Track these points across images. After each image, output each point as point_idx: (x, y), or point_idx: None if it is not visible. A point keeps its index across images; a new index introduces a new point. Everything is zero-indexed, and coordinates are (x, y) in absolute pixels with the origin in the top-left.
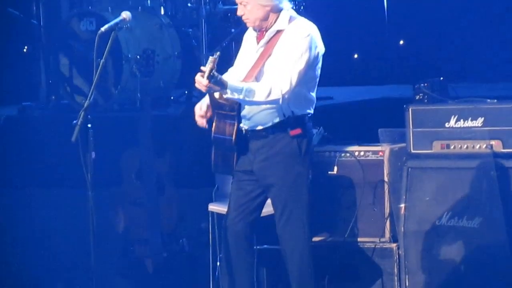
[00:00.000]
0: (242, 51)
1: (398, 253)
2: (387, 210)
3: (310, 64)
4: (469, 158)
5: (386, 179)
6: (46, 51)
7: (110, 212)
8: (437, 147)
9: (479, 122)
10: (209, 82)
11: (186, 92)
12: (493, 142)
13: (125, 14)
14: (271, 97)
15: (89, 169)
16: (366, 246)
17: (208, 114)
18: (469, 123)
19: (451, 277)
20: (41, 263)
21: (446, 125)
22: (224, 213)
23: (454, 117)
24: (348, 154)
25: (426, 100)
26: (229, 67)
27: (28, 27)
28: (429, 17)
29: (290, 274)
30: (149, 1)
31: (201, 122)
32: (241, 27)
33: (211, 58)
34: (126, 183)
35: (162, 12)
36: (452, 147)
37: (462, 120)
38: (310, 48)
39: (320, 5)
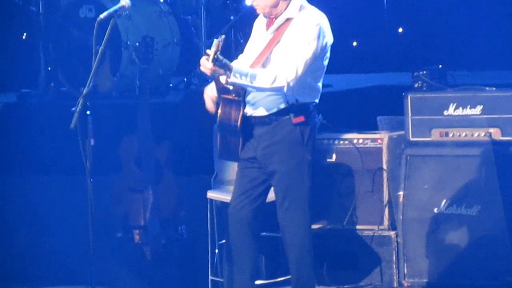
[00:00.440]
0: (251, 38)
1: (397, 240)
2: (385, 198)
3: (318, 54)
4: (468, 146)
5: (384, 166)
6: (45, 38)
7: (109, 199)
8: (436, 135)
9: (478, 110)
10: (214, 65)
11: (185, 79)
12: (492, 130)
13: (124, 1)
14: (276, 84)
15: (88, 156)
16: (364, 234)
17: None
18: (468, 111)
19: (450, 265)
20: (40, 250)
21: (445, 113)
22: (223, 200)
23: (453, 105)
24: (346, 142)
25: (425, 88)
26: (228, 54)
27: (27, 14)
28: (428, 5)
29: (289, 261)
30: None
31: (211, 105)
32: (240, 15)
33: (215, 41)
34: (125, 170)
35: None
36: (451, 134)
37: (461, 108)
38: (319, 38)
39: None
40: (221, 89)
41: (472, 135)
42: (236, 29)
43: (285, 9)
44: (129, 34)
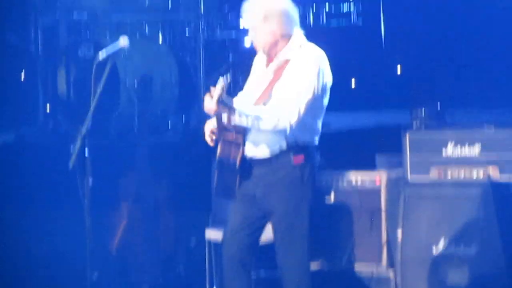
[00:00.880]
0: (251, 75)
1: (395, 281)
2: (384, 237)
3: (318, 94)
4: (466, 185)
5: (383, 206)
6: (44, 78)
7: (107, 237)
8: (434, 173)
9: (476, 148)
10: (218, 105)
11: (183, 119)
12: (490, 168)
13: (123, 41)
14: (279, 126)
15: (86, 195)
16: (363, 274)
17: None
18: (466, 149)
19: None
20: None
21: (443, 151)
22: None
23: (451, 142)
24: (345, 181)
25: (423, 126)
26: (227, 94)
27: (26, 53)
28: (426, 43)
29: None
30: (147, 28)
31: (211, 138)
32: (239, 55)
33: (221, 80)
34: (123, 209)
35: (160, 39)
36: (449, 173)
37: (459, 146)
38: (319, 77)
39: (317, 31)
40: (222, 128)
41: (471, 173)
42: (234, 69)
43: (284, 47)
44: (127, 74)
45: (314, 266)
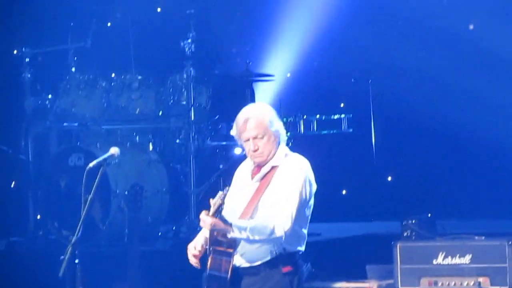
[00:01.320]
0: (233, 187)
1: None
2: None
3: (306, 202)
4: None
5: None
6: (34, 187)
7: None
8: (424, 284)
9: (467, 259)
10: (215, 219)
11: (173, 227)
12: (481, 279)
13: (114, 150)
14: (275, 235)
15: None
16: None
17: (201, 253)
18: (457, 260)
19: None
20: None
21: (434, 261)
22: None
23: (442, 253)
24: None
25: (414, 237)
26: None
27: (16, 162)
28: (417, 154)
29: None
30: (137, 137)
31: (195, 261)
32: (230, 163)
33: (220, 194)
34: None
35: (151, 148)
36: (440, 283)
37: (450, 257)
38: (305, 184)
39: (308, 141)
40: (214, 241)
41: (462, 284)
42: (225, 177)
43: (274, 156)
44: (118, 182)
45: None
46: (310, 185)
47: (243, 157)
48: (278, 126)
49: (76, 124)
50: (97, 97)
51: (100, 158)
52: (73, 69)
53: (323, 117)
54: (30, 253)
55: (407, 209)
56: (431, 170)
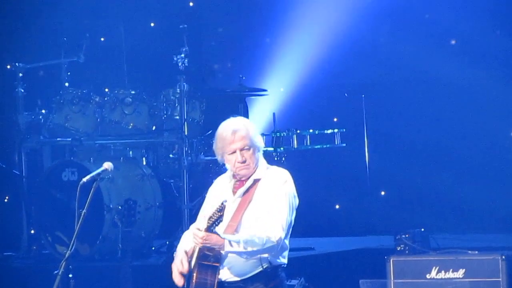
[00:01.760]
0: (209, 204)
1: None
2: None
3: (292, 213)
4: None
5: None
6: (28, 201)
7: None
8: None
9: (460, 273)
10: (209, 234)
11: (167, 242)
12: None
13: (107, 165)
14: (268, 245)
15: None
16: None
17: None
18: (451, 275)
19: None
20: None
21: (428, 276)
22: None
23: (436, 268)
24: None
25: (407, 251)
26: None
27: (9, 177)
28: (410, 168)
29: None
30: (131, 152)
31: (180, 279)
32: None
33: (216, 208)
34: None
35: (144, 163)
36: None
37: (443, 272)
38: (292, 197)
39: (301, 156)
40: (202, 256)
41: None
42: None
43: (257, 169)
44: (111, 197)
45: None
46: (295, 197)
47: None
48: (259, 139)
49: (69, 139)
50: (91, 112)
51: (94, 173)
52: (67, 84)
53: (316, 132)
54: (23, 267)
55: (400, 223)
56: (425, 184)
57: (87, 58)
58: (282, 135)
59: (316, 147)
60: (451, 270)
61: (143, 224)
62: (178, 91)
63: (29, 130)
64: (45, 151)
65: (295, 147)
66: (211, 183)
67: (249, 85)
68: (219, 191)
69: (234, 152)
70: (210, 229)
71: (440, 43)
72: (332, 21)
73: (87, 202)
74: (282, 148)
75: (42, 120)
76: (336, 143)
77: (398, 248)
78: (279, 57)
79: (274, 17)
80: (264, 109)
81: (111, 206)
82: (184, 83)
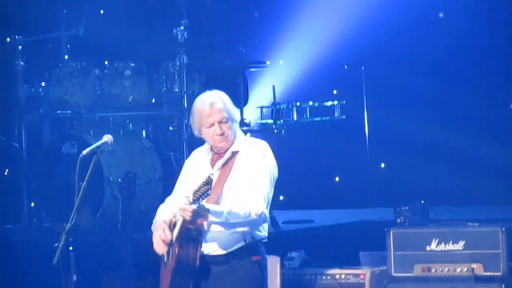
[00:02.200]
0: (185, 177)
1: None
2: None
3: (273, 185)
4: (450, 281)
5: None
6: (28, 174)
7: None
8: (418, 270)
9: (460, 245)
10: (197, 206)
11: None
12: (474, 266)
13: (107, 137)
14: (251, 218)
15: None
16: None
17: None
18: (450, 247)
19: None
20: None
21: (427, 248)
22: None
23: (435, 240)
24: (329, 277)
25: (407, 223)
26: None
27: (9, 150)
28: (410, 141)
29: None
30: (130, 125)
31: (164, 247)
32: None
33: (203, 181)
34: None
35: (144, 136)
36: (433, 270)
37: (443, 244)
38: (270, 167)
39: (301, 128)
40: (184, 230)
41: (455, 270)
42: None
43: (234, 141)
44: (111, 170)
45: None
46: (275, 169)
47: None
48: (236, 112)
49: (69, 112)
50: (90, 85)
51: (93, 146)
52: (66, 57)
53: (316, 104)
54: (24, 240)
55: (400, 195)
56: (424, 156)
57: (87, 31)
58: (281, 107)
59: (315, 119)
60: (451, 242)
61: (143, 197)
62: (178, 64)
63: (28, 103)
64: (45, 124)
65: (295, 119)
66: None
67: (249, 57)
68: (197, 164)
69: (212, 125)
70: (197, 202)
71: (447, 15)
72: None
73: (87, 175)
74: (281, 121)
75: (42, 93)
76: (336, 115)
77: (398, 220)
78: (279, 30)
79: None
80: (263, 81)
81: (111, 179)
82: (184, 56)
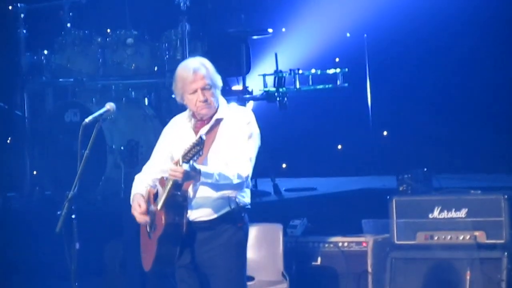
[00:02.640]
0: (165, 145)
1: None
2: None
3: (256, 150)
4: (453, 249)
5: (369, 269)
6: (30, 142)
7: None
8: (420, 238)
9: (462, 213)
10: (188, 167)
11: None
12: (476, 233)
13: (109, 105)
14: (239, 180)
15: (73, 260)
16: None
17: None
18: (453, 214)
19: None
20: None
21: (430, 216)
22: None
23: (438, 208)
24: (331, 245)
25: (409, 191)
26: None
27: (12, 118)
28: (412, 108)
29: None
30: (133, 93)
31: (144, 218)
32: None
33: (194, 142)
34: (110, 274)
35: (146, 104)
36: (436, 237)
37: (445, 211)
38: (254, 134)
39: (303, 96)
40: (170, 196)
41: (457, 238)
42: None
43: (218, 108)
44: (114, 138)
45: None
46: (258, 133)
47: None
48: (218, 78)
49: (71, 80)
50: (93, 53)
51: (96, 114)
52: (69, 25)
53: (319, 72)
54: (26, 208)
55: (402, 163)
56: (427, 124)
57: None
58: (284, 75)
59: (318, 87)
60: (453, 209)
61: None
62: (180, 32)
63: (31, 71)
64: (47, 92)
65: (297, 87)
66: None
67: (251, 25)
68: (178, 131)
69: (195, 91)
70: (187, 163)
71: None
72: None
73: (90, 143)
74: (284, 89)
75: (44, 61)
76: (338, 83)
77: (401, 188)
78: None
79: None
80: (266, 49)
81: (113, 147)
82: (186, 24)
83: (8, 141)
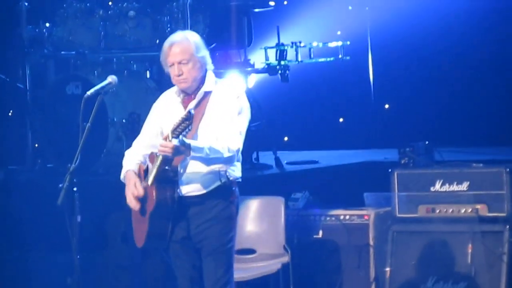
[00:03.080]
0: (155, 120)
1: None
2: (372, 274)
3: (246, 123)
4: (454, 222)
5: (371, 242)
6: (32, 115)
7: (96, 275)
8: (422, 211)
9: (464, 186)
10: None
11: None
12: (478, 206)
13: (111, 78)
14: (228, 154)
15: (75, 233)
16: None
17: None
18: (455, 187)
19: None
20: None
21: (432, 189)
22: None
23: (440, 181)
24: (333, 218)
25: (411, 164)
26: None
27: (14, 90)
28: (414, 81)
29: None
30: (135, 65)
31: (137, 204)
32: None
33: (183, 116)
34: (112, 247)
35: (148, 76)
36: (437, 211)
37: (447, 184)
38: (244, 108)
39: (305, 69)
40: (160, 172)
41: (459, 211)
42: None
43: (205, 82)
44: (115, 111)
45: None
46: (249, 111)
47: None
48: (205, 53)
49: (73, 52)
50: (94, 26)
51: (98, 86)
52: None
53: (320, 45)
54: (28, 181)
55: (404, 136)
56: (429, 97)
57: None
58: (286, 48)
59: (320, 60)
60: (455, 183)
61: None
62: (182, 5)
63: (32, 44)
64: (49, 64)
65: (299, 60)
66: None
67: None
68: (168, 106)
69: (172, 65)
70: (177, 138)
71: None
72: None
73: (91, 116)
74: (286, 62)
75: (46, 34)
76: (340, 56)
77: (402, 161)
78: None
79: None
80: (268, 22)
81: (115, 120)
82: None
83: (10, 114)
